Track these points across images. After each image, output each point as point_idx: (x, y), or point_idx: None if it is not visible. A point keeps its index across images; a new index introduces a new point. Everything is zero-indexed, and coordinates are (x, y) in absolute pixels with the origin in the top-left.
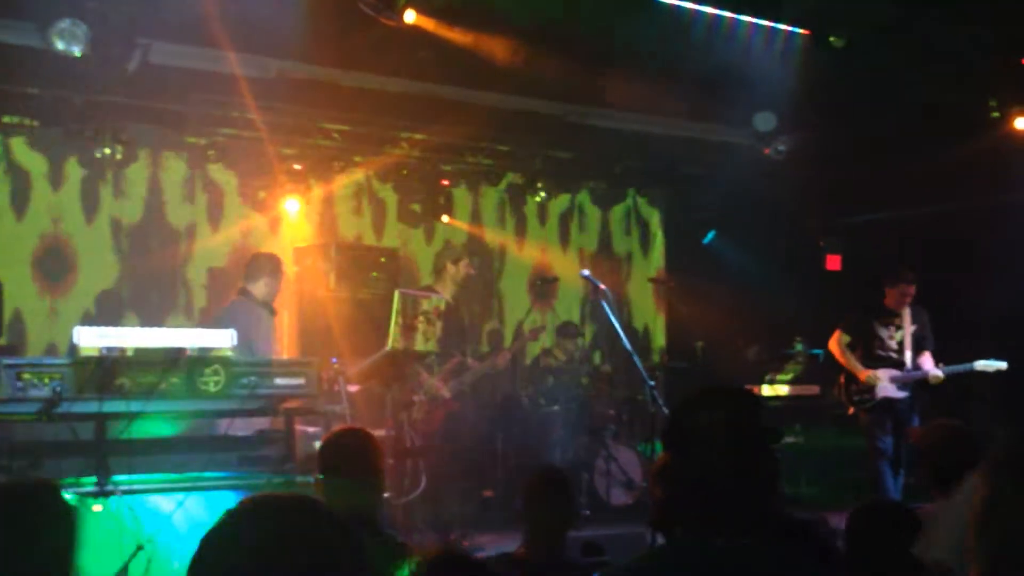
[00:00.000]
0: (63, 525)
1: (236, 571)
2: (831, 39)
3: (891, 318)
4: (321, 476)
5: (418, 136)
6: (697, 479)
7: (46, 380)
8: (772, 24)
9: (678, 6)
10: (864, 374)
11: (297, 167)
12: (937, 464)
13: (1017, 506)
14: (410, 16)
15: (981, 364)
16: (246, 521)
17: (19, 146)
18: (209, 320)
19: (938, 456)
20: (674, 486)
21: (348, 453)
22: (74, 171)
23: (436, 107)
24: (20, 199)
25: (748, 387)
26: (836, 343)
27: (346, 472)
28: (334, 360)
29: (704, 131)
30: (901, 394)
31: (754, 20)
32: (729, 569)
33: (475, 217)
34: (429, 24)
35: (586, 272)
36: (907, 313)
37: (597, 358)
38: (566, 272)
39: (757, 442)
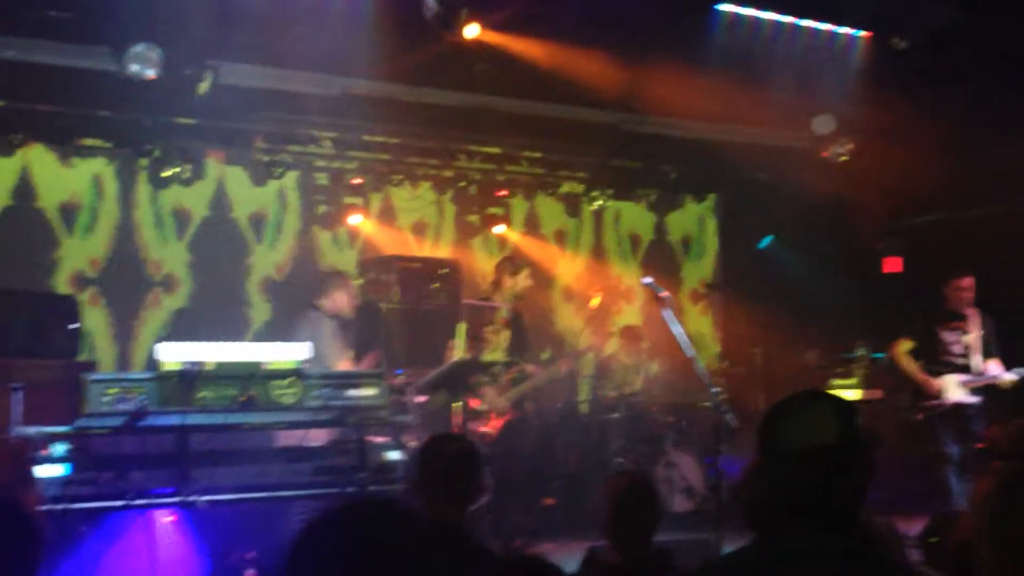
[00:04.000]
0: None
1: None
2: (893, 41)
3: (956, 322)
4: (414, 482)
5: (475, 148)
6: (785, 483)
7: (132, 395)
8: (833, 27)
9: (736, 12)
10: (930, 383)
11: (358, 181)
12: None
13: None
14: (472, 30)
15: None
16: (338, 523)
17: (92, 166)
18: (279, 333)
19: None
20: (764, 488)
21: (446, 461)
22: (144, 190)
23: (493, 119)
24: (91, 218)
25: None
26: (899, 350)
27: (441, 480)
28: (399, 372)
29: (761, 135)
30: (972, 399)
31: (815, 24)
32: (813, 569)
33: (531, 226)
34: (490, 38)
35: (648, 279)
36: (973, 317)
37: (655, 366)
38: (624, 279)
39: (850, 449)
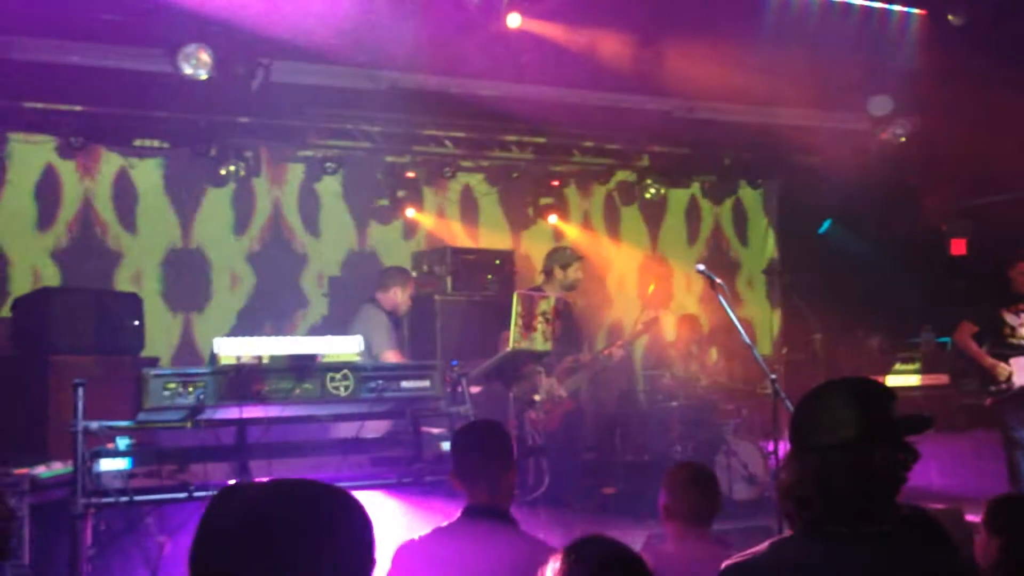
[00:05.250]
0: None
1: (225, 551)
2: (949, 17)
3: (1021, 304)
4: (452, 472)
5: (527, 138)
6: (818, 474)
7: (190, 389)
8: (886, 6)
9: None
10: (996, 366)
11: (411, 175)
12: None
13: None
14: (515, 20)
15: None
16: (231, 504)
17: (149, 166)
18: (336, 327)
19: None
20: (794, 480)
21: (475, 448)
22: (201, 189)
23: (543, 109)
24: (149, 215)
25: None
26: (962, 334)
27: (474, 467)
28: (454, 363)
29: (817, 118)
30: None
31: (868, 3)
32: (849, 559)
33: (585, 216)
34: (533, 26)
35: (701, 267)
36: None
37: (714, 354)
38: (679, 267)
39: (881, 436)
